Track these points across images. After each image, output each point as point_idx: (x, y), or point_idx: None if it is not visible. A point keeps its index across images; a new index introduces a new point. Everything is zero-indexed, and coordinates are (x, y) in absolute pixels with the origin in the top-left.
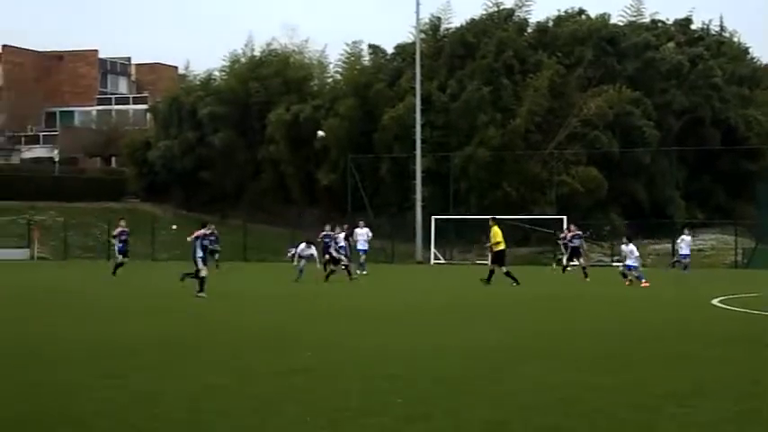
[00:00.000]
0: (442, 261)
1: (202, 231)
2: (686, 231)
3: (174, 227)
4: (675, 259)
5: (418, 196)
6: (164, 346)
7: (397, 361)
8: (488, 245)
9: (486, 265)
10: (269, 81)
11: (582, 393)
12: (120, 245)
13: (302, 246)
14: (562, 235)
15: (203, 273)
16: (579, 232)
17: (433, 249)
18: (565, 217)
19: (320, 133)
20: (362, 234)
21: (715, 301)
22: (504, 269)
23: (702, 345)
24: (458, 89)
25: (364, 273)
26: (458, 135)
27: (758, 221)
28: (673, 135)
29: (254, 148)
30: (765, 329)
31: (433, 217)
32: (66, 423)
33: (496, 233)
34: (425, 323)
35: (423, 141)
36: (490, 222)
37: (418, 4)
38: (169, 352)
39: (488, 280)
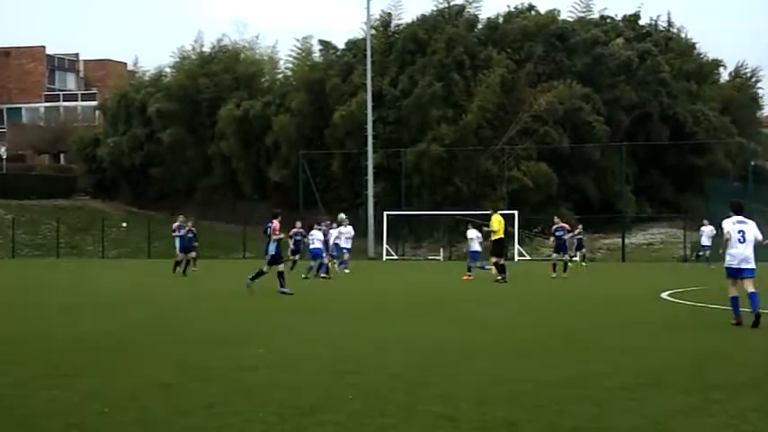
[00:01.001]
0: (395, 257)
1: (276, 224)
2: (705, 222)
3: (125, 224)
4: (698, 251)
5: (370, 192)
6: (115, 344)
7: (352, 357)
8: (486, 230)
9: (438, 260)
10: (219, 77)
11: (533, 388)
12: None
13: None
14: (555, 227)
15: (280, 267)
16: (564, 225)
17: (385, 245)
18: (516, 212)
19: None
20: (347, 232)
21: (664, 295)
22: (501, 261)
23: (651, 338)
24: (409, 85)
25: (346, 271)
26: (410, 131)
27: (706, 215)
28: (622, 130)
29: (204, 145)
30: (712, 322)
31: (385, 213)
32: (12, 422)
33: (494, 221)
34: (379, 319)
35: (374, 137)
36: (491, 211)
37: (369, 0)
38: (120, 350)
39: (503, 278)
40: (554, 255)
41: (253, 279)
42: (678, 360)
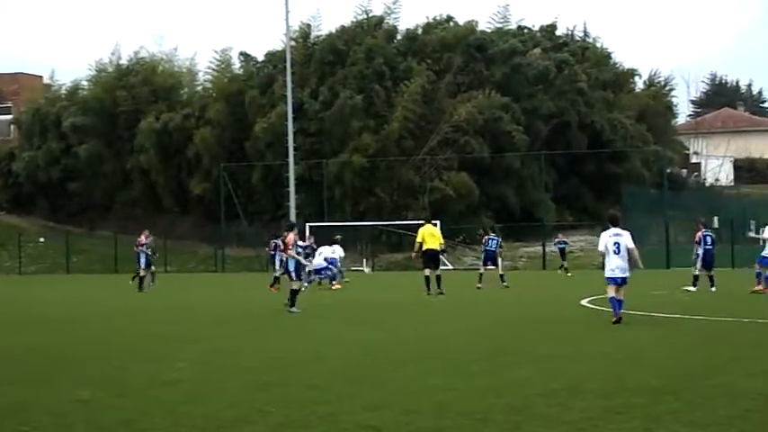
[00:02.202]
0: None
1: (291, 237)
2: (699, 226)
3: (42, 239)
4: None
5: (292, 203)
6: (34, 359)
7: (275, 368)
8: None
9: (362, 271)
10: (137, 90)
11: (456, 396)
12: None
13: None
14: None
15: (295, 285)
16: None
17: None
18: (438, 222)
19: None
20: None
21: (584, 302)
22: (427, 272)
23: (571, 344)
24: (330, 96)
25: (346, 280)
26: (331, 142)
27: (624, 222)
28: (541, 139)
29: (122, 158)
30: (629, 328)
31: (307, 224)
32: None
33: (420, 232)
34: (304, 329)
35: (295, 149)
36: (423, 222)
37: (288, 12)
38: (40, 364)
39: (438, 286)
40: (486, 266)
41: (292, 305)
42: (597, 366)
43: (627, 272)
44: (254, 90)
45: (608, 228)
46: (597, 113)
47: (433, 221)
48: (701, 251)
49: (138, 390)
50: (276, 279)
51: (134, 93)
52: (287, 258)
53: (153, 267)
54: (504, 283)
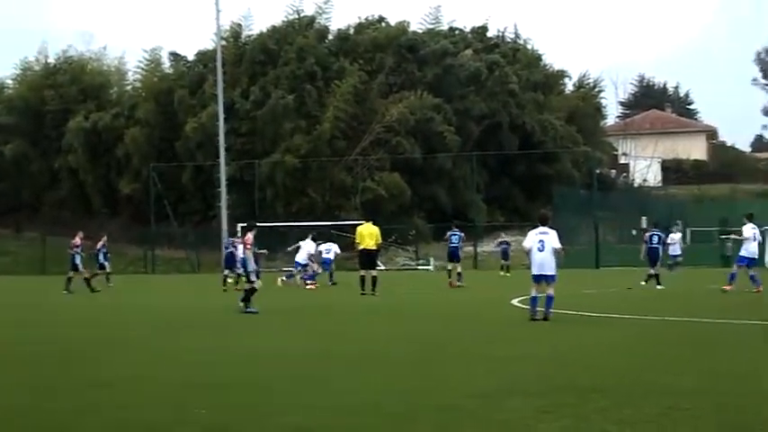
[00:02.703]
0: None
1: (250, 237)
2: (674, 229)
3: None
4: (671, 262)
5: (223, 204)
6: None
7: (207, 370)
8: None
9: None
10: (65, 89)
11: (387, 396)
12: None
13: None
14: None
15: (256, 285)
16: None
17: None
18: (370, 223)
19: None
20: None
21: (514, 301)
22: (362, 272)
23: (502, 344)
24: (261, 96)
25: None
26: (263, 142)
27: (554, 223)
28: (473, 140)
29: (50, 158)
30: (559, 327)
31: (238, 225)
32: None
33: (358, 231)
34: (235, 330)
35: (227, 149)
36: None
37: (218, 11)
38: None
39: (373, 287)
40: (452, 262)
41: (247, 302)
42: (527, 365)
43: (552, 269)
44: (185, 90)
45: (537, 226)
46: (528, 115)
47: (371, 221)
48: (645, 249)
49: (72, 393)
50: (225, 279)
51: (62, 92)
52: (244, 258)
53: (108, 268)
54: (459, 283)
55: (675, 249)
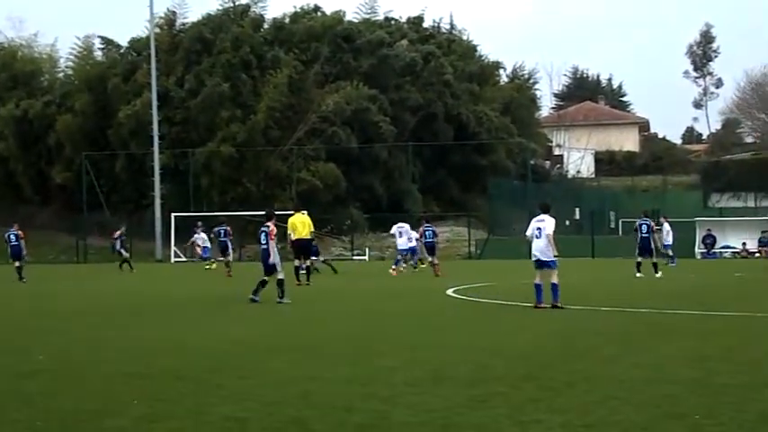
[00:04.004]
0: (183, 259)
1: (273, 227)
2: (661, 219)
3: None
4: (667, 253)
5: (157, 193)
6: None
7: (140, 360)
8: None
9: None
10: None
11: (321, 386)
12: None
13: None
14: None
15: (281, 275)
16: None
17: (173, 247)
18: (305, 212)
19: None
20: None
21: (449, 291)
22: (296, 262)
23: (437, 333)
24: (196, 84)
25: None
26: (198, 131)
27: (489, 213)
28: (408, 130)
29: None
30: (494, 317)
31: (173, 214)
32: None
33: (290, 222)
34: (166, 320)
35: (161, 138)
36: (293, 211)
37: None
38: None
39: (307, 277)
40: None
41: (256, 293)
42: (462, 354)
43: (548, 256)
44: (118, 78)
45: (537, 214)
46: (463, 105)
47: (302, 210)
48: (638, 239)
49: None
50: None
51: None
52: (267, 248)
53: (125, 255)
54: (438, 274)
55: (668, 239)
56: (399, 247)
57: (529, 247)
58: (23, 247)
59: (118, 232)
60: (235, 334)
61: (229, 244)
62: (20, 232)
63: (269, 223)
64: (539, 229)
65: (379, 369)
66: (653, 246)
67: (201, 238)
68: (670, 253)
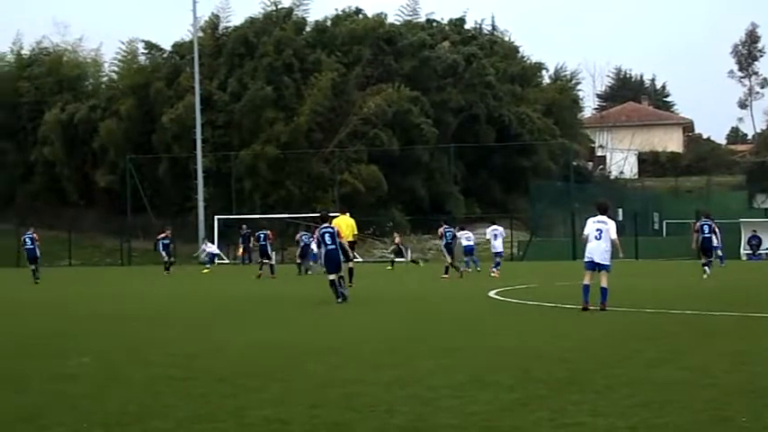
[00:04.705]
0: (227, 261)
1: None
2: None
3: None
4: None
5: (200, 196)
6: None
7: (183, 362)
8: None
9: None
10: (41, 81)
11: (363, 389)
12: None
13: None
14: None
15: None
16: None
17: (216, 249)
18: (347, 214)
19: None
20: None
21: (492, 293)
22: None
23: (477, 336)
24: (238, 88)
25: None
26: (240, 134)
27: (532, 215)
28: (450, 132)
29: (25, 150)
30: (537, 320)
31: (216, 217)
32: None
33: (334, 223)
34: (207, 323)
35: (204, 141)
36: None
37: (195, 2)
38: None
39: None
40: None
41: (339, 297)
42: (503, 358)
43: (606, 259)
44: (161, 82)
45: (595, 215)
46: (505, 107)
47: (347, 213)
48: (699, 239)
49: (40, 385)
50: (271, 268)
51: (38, 83)
52: (335, 249)
53: (167, 258)
54: (445, 275)
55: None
56: (495, 250)
57: (574, 247)
58: (38, 251)
59: (163, 234)
60: (275, 336)
61: (269, 248)
62: (35, 236)
63: (326, 224)
64: (599, 230)
65: (419, 372)
66: (715, 244)
67: (208, 245)
68: (719, 253)
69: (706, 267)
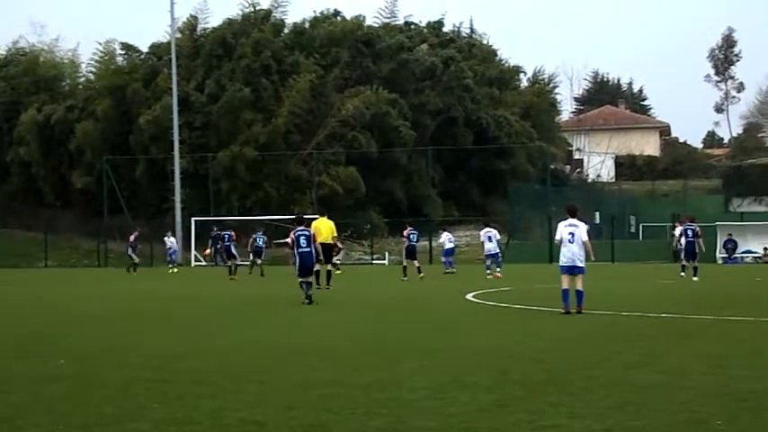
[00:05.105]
0: (204, 263)
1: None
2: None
3: None
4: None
5: (177, 197)
6: None
7: (160, 364)
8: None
9: (247, 265)
10: (17, 80)
11: (341, 391)
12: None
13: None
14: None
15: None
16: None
17: (193, 251)
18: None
19: None
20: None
21: (469, 296)
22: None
23: (455, 338)
24: (216, 89)
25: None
26: (218, 135)
27: (510, 217)
28: (428, 135)
29: (1, 150)
30: (514, 322)
31: (192, 218)
32: None
33: (313, 225)
34: (185, 325)
35: (181, 142)
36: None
37: (173, 3)
38: None
39: (327, 281)
40: (408, 259)
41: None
42: (480, 359)
43: (581, 261)
44: (138, 83)
45: (565, 218)
46: (483, 110)
47: (326, 215)
48: (683, 243)
49: (18, 386)
50: (231, 268)
51: (14, 84)
52: (310, 251)
53: (135, 260)
54: (421, 275)
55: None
56: (489, 252)
57: (551, 250)
58: None
59: (132, 236)
60: (253, 338)
61: (233, 248)
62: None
63: (302, 227)
64: (571, 234)
65: (398, 374)
66: (697, 250)
67: (171, 241)
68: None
69: (686, 271)
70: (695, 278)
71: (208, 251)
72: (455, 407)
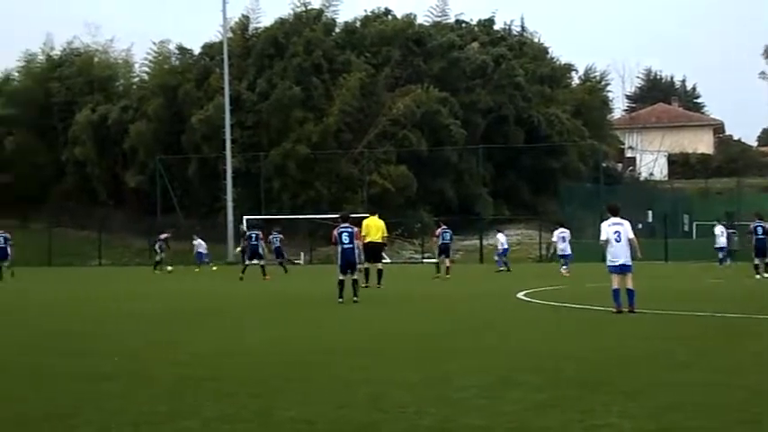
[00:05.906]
0: (255, 261)
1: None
2: (716, 222)
3: None
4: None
5: (229, 196)
6: None
7: (210, 363)
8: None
9: (299, 264)
10: (71, 81)
11: (389, 389)
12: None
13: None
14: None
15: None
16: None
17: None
18: (376, 216)
19: None
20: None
21: (520, 295)
22: (367, 265)
23: (506, 337)
24: (267, 88)
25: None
26: (269, 134)
27: (561, 217)
28: (479, 133)
29: (56, 150)
30: (566, 321)
31: (244, 217)
32: None
33: (364, 224)
34: (233, 323)
35: (233, 141)
36: (368, 214)
37: (225, 3)
38: None
39: (378, 281)
40: (441, 257)
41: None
42: (531, 358)
43: (629, 260)
44: (191, 83)
45: (608, 218)
46: (534, 108)
47: (376, 214)
48: (753, 240)
49: (69, 384)
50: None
51: (68, 84)
52: (352, 248)
53: (158, 257)
54: (448, 276)
55: (720, 241)
56: (563, 252)
57: (602, 249)
58: (10, 251)
59: (164, 235)
60: (301, 336)
61: (261, 248)
62: (8, 235)
63: (346, 224)
64: (617, 233)
65: (448, 373)
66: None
67: (198, 242)
68: (720, 256)
69: (759, 270)
70: (759, 276)
71: (238, 249)
72: (504, 405)
